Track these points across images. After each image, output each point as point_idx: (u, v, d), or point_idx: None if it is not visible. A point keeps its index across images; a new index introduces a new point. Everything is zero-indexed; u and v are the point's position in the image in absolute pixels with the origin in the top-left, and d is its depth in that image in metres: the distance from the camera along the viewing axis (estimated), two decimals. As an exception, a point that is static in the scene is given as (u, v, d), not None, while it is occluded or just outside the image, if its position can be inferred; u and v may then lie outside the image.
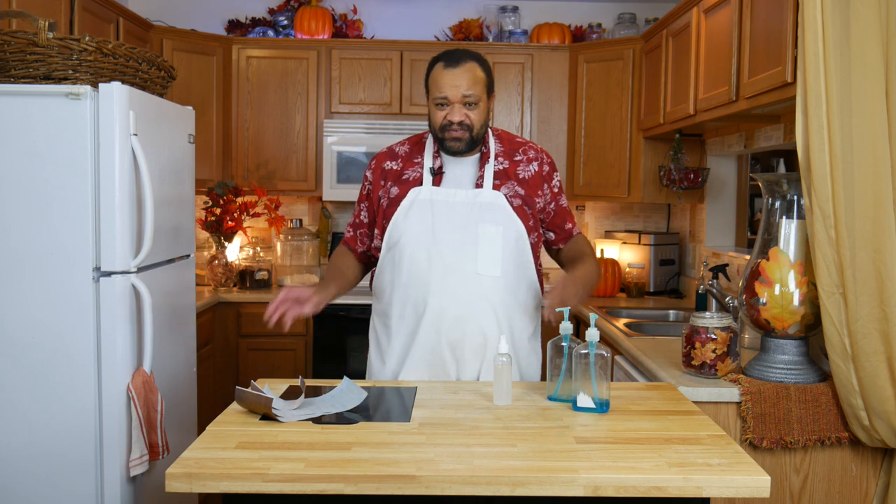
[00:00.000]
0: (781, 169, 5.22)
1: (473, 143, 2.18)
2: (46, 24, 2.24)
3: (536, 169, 2.24)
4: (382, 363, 2.23)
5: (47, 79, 2.30)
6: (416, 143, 2.29)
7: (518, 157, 2.24)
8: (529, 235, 2.20)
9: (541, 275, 2.26)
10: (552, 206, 2.27)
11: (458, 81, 2.11)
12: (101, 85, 2.28)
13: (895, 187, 1.91)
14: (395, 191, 2.21)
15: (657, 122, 3.64)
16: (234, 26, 4.40)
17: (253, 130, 4.20)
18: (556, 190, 2.28)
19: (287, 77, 4.19)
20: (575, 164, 4.24)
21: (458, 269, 2.12)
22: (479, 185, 2.18)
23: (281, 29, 4.37)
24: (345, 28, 4.37)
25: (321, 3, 4.42)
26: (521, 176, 2.22)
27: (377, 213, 2.25)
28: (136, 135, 2.34)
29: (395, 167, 2.25)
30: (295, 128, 4.21)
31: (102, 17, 3.30)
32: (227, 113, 4.17)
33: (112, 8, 3.39)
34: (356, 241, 2.35)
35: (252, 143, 4.20)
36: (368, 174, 2.31)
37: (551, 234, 2.31)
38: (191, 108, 2.95)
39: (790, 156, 5.13)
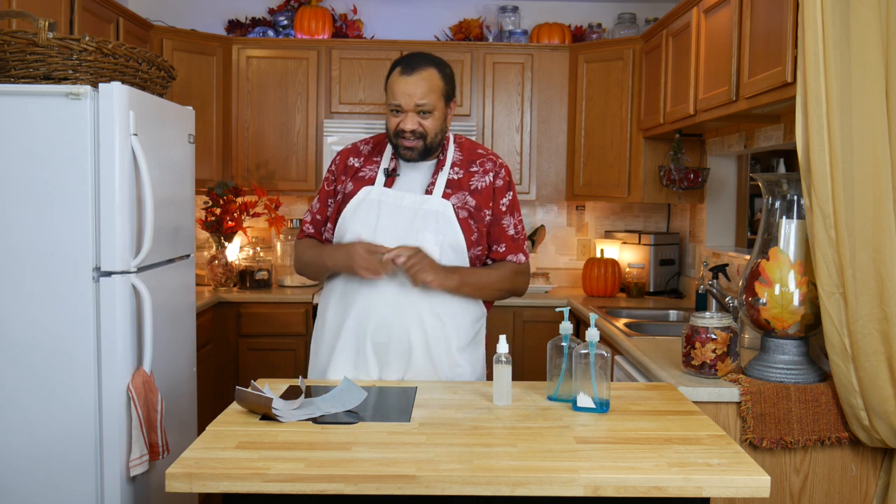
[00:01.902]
0: (781, 169, 5.22)
1: (428, 151, 2.16)
2: (46, 24, 2.24)
3: (490, 181, 2.20)
4: (316, 354, 2.25)
5: (47, 79, 2.30)
6: (379, 143, 2.29)
7: (474, 168, 2.21)
8: (471, 249, 2.17)
9: None
10: (491, 222, 2.20)
11: (413, 90, 2.08)
12: (101, 85, 2.28)
13: (895, 187, 1.91)
14: (350, 186, 2.22)
15: (657, 122, 3.64)
16: (234, 26, 4.40)
17: (253, 130, 4.20)
18: (502, 209, 2.21)
19: (287, 77, 4.19)
20: (575, 164, 4.24)
21: (393, 273, 2.09)
22: (429, 192, 2.16)
23: (281, 29, 4.37)
24: (345, 28, 4.37)
25: (321, 3, 4.42)
26: (473, 187, 2.18)
27: (333, 207, 2.25)
28: (136, 135, 2.34)
29: (356, 164, 2.25)
30: (295, 128, 4.21)
31: (102, 17, 3.30)
32: (227, 113, 4.17)
33: (112, 8, 3.39)
34: (321, 236, 2.32)
35: (252, 143, 4.20)
36: (333, 168, 2.29)
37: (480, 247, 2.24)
38: (191, 108, 2.95)
39: (790, 156, 5.13)
